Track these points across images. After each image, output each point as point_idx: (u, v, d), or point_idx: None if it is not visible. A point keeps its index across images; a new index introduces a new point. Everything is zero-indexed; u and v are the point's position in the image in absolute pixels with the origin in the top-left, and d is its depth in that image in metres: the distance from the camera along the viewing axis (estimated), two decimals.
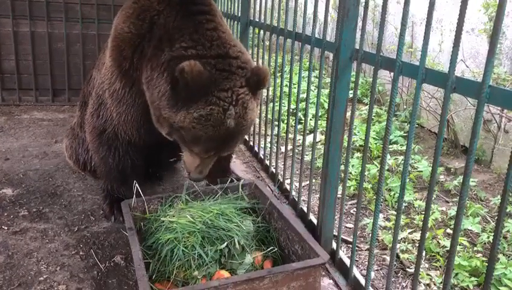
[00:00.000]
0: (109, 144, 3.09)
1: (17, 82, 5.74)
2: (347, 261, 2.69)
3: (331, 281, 2.67)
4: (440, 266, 2.98)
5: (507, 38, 4.75)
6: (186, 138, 2.54)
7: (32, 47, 5.68)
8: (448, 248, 2.97)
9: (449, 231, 3.36)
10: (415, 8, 5.53)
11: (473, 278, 2.80)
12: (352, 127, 2.57)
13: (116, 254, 2.83)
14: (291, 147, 3.52)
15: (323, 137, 3.19)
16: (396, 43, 2.19)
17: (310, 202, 3.22)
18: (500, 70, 4.70)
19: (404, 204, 3.51)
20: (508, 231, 3.22)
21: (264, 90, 3.95)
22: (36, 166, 4.03)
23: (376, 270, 2.93)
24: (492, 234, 1.67)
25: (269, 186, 3.79)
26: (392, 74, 2.19)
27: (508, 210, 3.37)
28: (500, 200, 1.61)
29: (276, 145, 3.90)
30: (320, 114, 5.10)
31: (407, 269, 2.96)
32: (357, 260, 2.96)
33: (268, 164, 4.08)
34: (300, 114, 4.30)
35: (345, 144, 2.79)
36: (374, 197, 3.54)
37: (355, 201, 3.78)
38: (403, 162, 2.20)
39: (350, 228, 3.38)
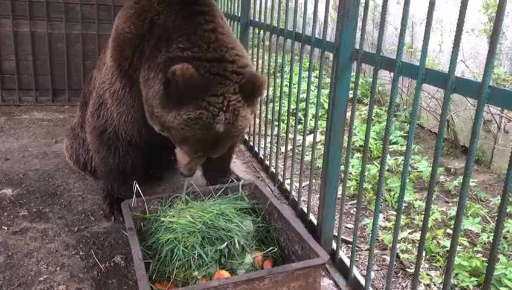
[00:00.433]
0: (109, 144, 3.09)
1: (17, 82, 5.74)
2: (347, 262, 2.69)
3: (331, 281, 2.67)
4: (440, 266, 2.98)
5: (507, 39, 4.75)
6: (175, 137, 2.56)
7: (32, 47, 5.68)
8: (448, 248, 2.97)
9: (449, 231, 3.36)
10: (415, 8, 5.53)
11: (473, 278, 2.80)
12: (352, 127, 2.57)
13: (116, 254, 2.83)
14: (291, 147, 3.52)
15: (323, 137, 3.19)
16: (396, 43, 2.19)
17: (310, 202, 3.22)
18: (500, 70, 4.70)
19: (404, 204, 3.51)
20: (508, 231, 3.23)
21: (265, 88, 3.95)
22: (36, 166, 4.03)
23: (376, 270, 2.93)
24: (492, 234, 1.67)
25: (269, 187, 3.79)
26: (392, 74, 2.19)
27: (508, 210, 3.37)
28: (500, 201, 1.61)
29: (276, 145, 3.90)
30: (320, 114, 5.10)
31: (407, 269, 2.96)
32: (357, 260, 2.96)
33: (268, 164, 4.08)
34: (300, 114, 4.30)
35: (345, 144, 2.79)
36: (374, 197, 3.54)
37: (355, 201, 3.78)
38: (403, 162, 2.20)
39: (350, 228, 3.38)
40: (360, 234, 3.32)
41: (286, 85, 3.91)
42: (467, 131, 4.99)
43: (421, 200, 3.80)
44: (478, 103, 1.67)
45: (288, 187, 3.59)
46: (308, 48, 3.10)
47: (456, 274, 2.84)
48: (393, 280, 2.78)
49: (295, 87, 3.32)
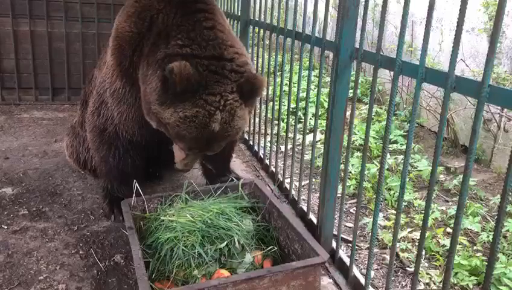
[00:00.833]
0: (110, 143, 3.09)
1: (17, 81, 5.74)
2: (347, 260, 2.69)
3: (331, 280, 2.67)
4: (440, 265, 2.99)
5: (507, 38, 4.75)
6: (172, 133, 2.56)
7: (32, 46, 5.68)
8: (448, 247, 2.97)
9: (449, 230, 3.36)
10: (415, 7, 5.52)
11: (472, 277, 2.80)
12: (352, 126, 2.57)
13: (116, 253, 2.83)
14: (291, 146, 3.52)
15: (323, 136, 3.19)
16: (396, 42, 2.19)
17: (310, 201, 3.22)
18: (500, 69, 4.70)
19: (404, 203, 3.51)
20: (508, 230, 3.23)
21: (264, 90, 3.95)
22: (36, 165, 4.03)
23: (376, 269, 2.93)
24: (492, 233, 1.67)
25: (269, 186, 3.79)
26: (392, 73, 2.19)
27: (507, 209, 3.37)
28: (499, 200, 1.61)
29: (276, 144, 3.90)
30: (320, 113, 5.10)
31: (407, 268, 2.96)
32: (356, 259, 2.96)
33: (268, 163, 4.08)
34: (300, 113, 4.30)
35: (345, 143, 2.79)
36: (374, 196, 3.54)
37: (355, 200, 3.79)
38: (402, 161, 2.20)
39: (350, 227, 3.38)
40: (360, 233, 3.33)
41: (286, 84, 3.91)
42: (466, 130, 4.99)
43: (420, 199, 3.80)
44: (478, 102, 1.67)
45: (288, 186, 3.59)
46: (308, 46, 3.10)
47: (456, 273, 2.84)
48: (393, 278, 2.78)
49: (295, 86, 3.32)
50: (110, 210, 3.20)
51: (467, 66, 4.97)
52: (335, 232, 2.87)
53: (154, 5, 2.75)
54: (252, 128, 4.61)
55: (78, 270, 2.66)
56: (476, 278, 2.81)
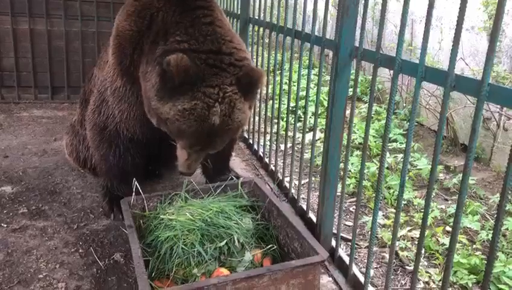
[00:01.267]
0: (110, 141, 3.09)
1: (16, 80, 5.73)
2: (346, 259, 2.69)
3: (331, 278, 2.67)
4: (439, 264, 2.99)
5: (507, 37, 4.75)
6: (172, 130, 2.54)
7: (31, 44, 5.67)
8: (447, 246, 2.97)
9: (448, 228, 3.36)
10: (414, 5, 5.52)
11: (472, 276, 2.80)
12: (352, 125, 2.57)
13: (116, 251, 2.83)
14: (291, 145, 3.52)
15: (322, 135, 3.19)
16: (396, 41, 2.19)
17: (310, 200, 3.22)
18: (499, 68, 4.70)
19: (403, 202, 3.52)
20: (507, 229, 3.23)
21: (264, 88, 3.95)
22: (35, 163, 4.03)
23: (375, 267, 2.93)
24: (492, 231, 1.68)
25: (268, 184, 3.79)
26: (391, 71, 2.19)
27: (507, 208, 3.38)
28: (499, 198, 1.61)
29: (275, 143, 3.90)
30: (319, 112, 5.09)
31: (407, 267, 2.96)
32: (356, 258, 2.96)
33: (267, 162, 4.08)
34: (299, 112, 4.30)
35: (345, 142, 2.79)
36: (374, 195, 3.54)
37: (354, 199, 3.79)
38: (402, 160, 2.20)
39: (349, 226, 3.38)
40: (360, 231, 3.33)
41: (286, 83, 3.91)
42: (466, 129, 4.99)
43: (420, 197, 3.80)
44: (477, 101, 1.67)
45: (287, 185, 3.60)
46: (308, 45, 3.10)
47: (455, 272, 2.85)
48: (392, 277, 2.78)
49: (295, 85, 3.32)
50: (110, 209, 3.20)
51: (467, 65, 4.97)
52: (334, 231, 2.87)
53: (153, 4, 2.75)
54: (251, 126, 4.61)
55: (77, 268, 2.66)
56: (475, 276, 2.81)
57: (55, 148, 4.37)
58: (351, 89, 2.93)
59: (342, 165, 2.88)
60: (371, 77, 2.68)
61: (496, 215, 1.62)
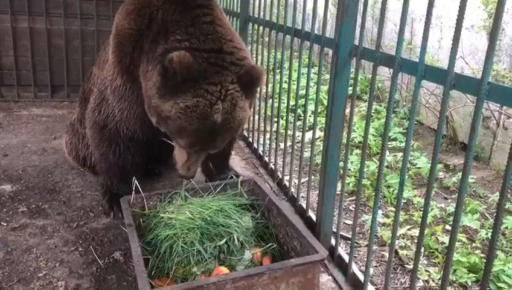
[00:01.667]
0: (110, 140, 3.09)
1: (15, 78, 5.73)
2: (346, 258, 2.69)
3: (330, 277, 2.67)
4: (439, 263, 2.99)
5: (506, 35, 4.74)
6: (172, 128, 2.53)
7: (31, 43, 5.66)
8: (446, 244, 2.97)
9: (448, 227, 3.36)
10: (414, 4, 5.52)
11: (471, 275, 2.81)
12: (352, 123, 2.57)
13: (115, 250, 2.83)
14: (291, 143, 3.52)
15: (322, 134, 3.19)
16: (395, 39, 2.19)
17: (309, 199, 3.23)
18: (499, 67, 4.70)
19: (403, 201, 3.52)
20: (507, 228, 3.23)
21: (263, 87, 3.95)
22: (35, 162, 4.03)
23: (375, 266, 2.93)
24: (491, 230, 1.68)
25: (268, 183, 3.79)
26: (391, 70, 2.19)
27: (506, 207, 3.38)
28: (498, 197, 1.61)
29: (275, 141, 3.90)
30: (319, 111, 5.10)
31: (406, 265, 2.96)
32: (355, 256, 2.96)
33: (267, 161, 4.08)
34: (299, 110, 4.30)
35: (344, 140, 2.79)
36: (373, 193, 3.54)
37: (354, 198, 3.79)
38: (402, 158, 2.20)
39: (349, 225, 3.39)
40: (359, 230, 3.33)
41: (285, 81, 3.90)
42: (466, 127, 4.99)
43: (420, 196, 3.80)
44: (477, 100, 1.67)
45: (287, 183, 3.60)
46: (308, 44, 3.09)
47: (455, 270, 2.85)
48: (392, 275, 2.78)
49: (294, 84, 3.32)
50: (110, 207, 3.20)
51: (467, 64, 4.97)
52: (334, 230, 2.87)
53: (153, 2, 2.75)
54: (251, 125, 4.61)
55: (77, 267, 2.66)
56: (475, 275, 2.82)
57: (55, 147, 4.37)
58: (350, 88, 2.93)
59: (341, 163, 2.88)
60: (370, 76, 2.68)
61: (495, 214, 1.62)
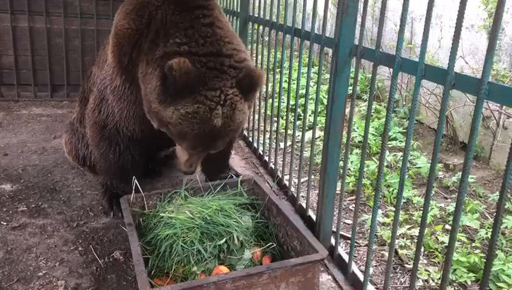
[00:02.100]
0: (110, 140, 3.09)
1: (15, 77, 5.73)
2: (346, 257, 2.69)
3: (330, 276, 2.67)
4: (438, 262, 2.99)
5: (506, 35, 4.74)
6: (174, 133, 2.56)
7: (31, 42, 5.66)
8: (446, 244, 2.98)
9: (447, 227, 3.37)
10: (414, 4, 5.52)
11: (471, 274, 2.81)
12: (351, 123, 2.57)
13: (115, 249, 2.83)
14: (290, 143, 3.52)
15: (322, 133, 3.19)
16: (395, 39, 2.18)
17: (309, 198, 3.22)
18: (499, 66, 4.70)
19: (402, 200, 3.52)
20: (506, 227, 3.23)
21: (263, 87, 3.94)
22: (35, 161, 4.03)
23: (374, 266, 2.94)
24: (491, 230, 1.68)
25: (268, 183, 3.79)
26: (391, 70, 2.19)
27: (506, 206, 3.38)
28: (498, 197, 1.61)
29: (275, 141, 3.89)
30: (319, 110, 5.10)
31: (406, 265, 2.96)
32: (355, 256, 2.97)
33: (267, 160, 4.07)
34: (299, 110, 4.30)
35: (344, 140, 2.79)
36: (373, 193, 3.54)
37: (354, 197, 3.79)
38: (401, 158, 2.20)
39: (349, 224, 3.39)
40: (359, 229, 3.33)
41: (285, 81, 3.90)
42: (466, 127, 4.99)
43: (419, 196, 3.80)
44: (477, 99, 1.67)
45: (287, 183, 3.60)
46: (308, 43, 3.09)
47: (454, 270, 2.85)
48: (391, 275, 2.79)
49: (294, 83, 3.32)
50: (110, 207, 3.20)
51: (466, 63, 4.97)
52: (334, 229, 2.87)
53: (152, 2, 2.75)
54: (251, 125, 4.61)
55: (77, 266, 2.66)
56: (475, 274, 2.82)
57: (55, 146, 4.37)
58: (350, 87, 2.93)
59: (341, 163, 2.88)
60: (370, 75, 2.68)
61: (495, 214, 1.62)
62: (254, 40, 4.39)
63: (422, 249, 3.05)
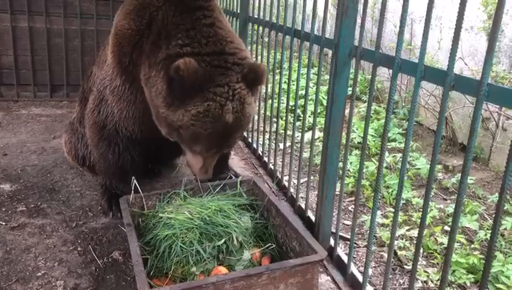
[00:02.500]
0: (109, 140, 3.09)
1: (15, 77, 5.72)
2: (345, 258, 2.69)
3: (329, 277, 2.67)
4: (437, 263, 2.99)
5: (506, 36, 4.75)
6: (186, 136, 2.54)
7: (30, 42, 5.66)
8: (445, 245, 2.98)
9: (447, 228, 3.37)
10: (414, 5, 5.52)
11: (470, 275, 2.81)
12: (351, 124, 2.57)
13: (114, 249, 2.83)
14: (290, 144, 3.52)
15: (321, 134, 3.19)
16: (395, 40, 2.19)
17: (308, 199, 3.22)
18: (498, 68, 4.71)
19: (402, 201, 3.52)
20: (505, 229, 3.24)
21: (263, 87, 3.95)
22: (34, 161, 4.03)
23: (374, 267, 2.94)
24: (490, 231, 1.68)
25: (267, 183, 3.79)
26: (391, 71, 2.19)
27: (505, 208, 3.38)
28: (497, 198, 1.62)
29: (274, 142, 3.89)
30: (318, 111, 5.10)
31: (405, 266, 2.96)
32: (354, 257, 2.97)
33: (266, 161, 4.08)
34: (299, 111, 4.30)
35: (344, 141, 2.79)
36: (372, 194, 3.54)
37: (353, 198, 3.79)
38: (401, 159, 2.20)
39: (348, 225, 3.39)
40: (358, 230, 3.33)
41: (285, 82, 3.90)
42: (465, 128, 5.00)
43: (419, 197, 3.80)
44: (476, 101, 1.67)
45: (286, 184, 3.60)
46: (307, 44, 3.09)
47: (454, 271, 2.85)
48: (390, 276, 2.79)
49: (294, 84, 3.32)
50: (109, 207, 3.20)
51: (466, 65, 4.98)
52: (333, 230, 2.87)
53: (153, 3, 2.75)
54: (250, 125, 4.61)
55: (76, 266, 2.66)
56: (474, 276, 2.82)
57: (54, 147, 4.36)
58: (350, 88, 2.93)
59: (340, 164, 2.88)
60: (370, 76, 2.68)
61: (494, 215, 1.62)
62: (254, 40, 4.39)
63: (421, 250, 3.05)
